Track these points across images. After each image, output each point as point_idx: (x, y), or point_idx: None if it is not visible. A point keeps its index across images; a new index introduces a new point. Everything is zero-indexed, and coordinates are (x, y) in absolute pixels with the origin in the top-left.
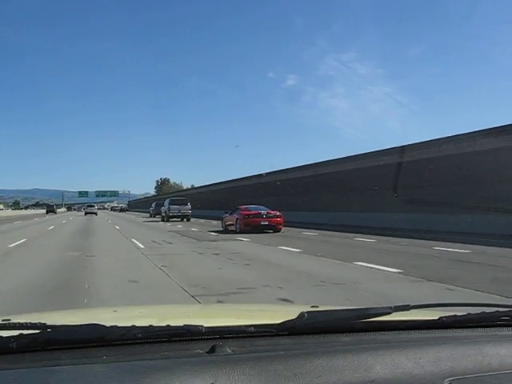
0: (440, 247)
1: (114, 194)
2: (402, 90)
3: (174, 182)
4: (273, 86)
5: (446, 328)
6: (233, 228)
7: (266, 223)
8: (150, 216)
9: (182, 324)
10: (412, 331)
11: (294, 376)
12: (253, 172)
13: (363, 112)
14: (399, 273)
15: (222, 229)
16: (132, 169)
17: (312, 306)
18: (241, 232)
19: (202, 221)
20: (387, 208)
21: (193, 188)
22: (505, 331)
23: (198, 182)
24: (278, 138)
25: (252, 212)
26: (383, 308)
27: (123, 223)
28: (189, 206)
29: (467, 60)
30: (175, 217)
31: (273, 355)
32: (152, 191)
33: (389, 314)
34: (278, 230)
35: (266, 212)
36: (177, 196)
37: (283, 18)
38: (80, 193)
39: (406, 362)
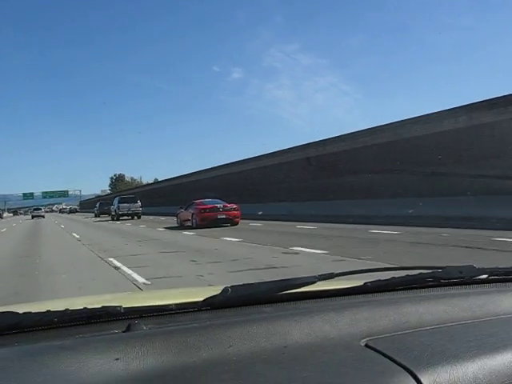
0: (376, 230)
1: (64, 194)
2: (345, 79)
3: (132, 178)
4: (218, 79)
5: (371, 293)
6: (189, 224)
7: (223, 217)
8: (95, 216)
9: (100, 306)
10: (336, 298)
11: (205, 346)
12: (205, 166)
13: (309, 102)
14: (325, 253)
15: (176, 225)
16: (83, 167)
17: (256, 282)
18: (197, 227)
19: (151, 217)
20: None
21: (147, 184)
22: (428, 292)
23: (157, 177)
24: (226, 132)
25: (208, 206)
26: (307, 278)
27: (69, 224)
28: (139, 203)
29: (402, 46)
30: (125, 215)
31: (187, 328)
32: (107, 189)
33: (313, 283)
34: (236, 223)
35: (222, 205)
36: (126, 194)
37: (226, 11)
38: (25, 195)
39: (323, 326)
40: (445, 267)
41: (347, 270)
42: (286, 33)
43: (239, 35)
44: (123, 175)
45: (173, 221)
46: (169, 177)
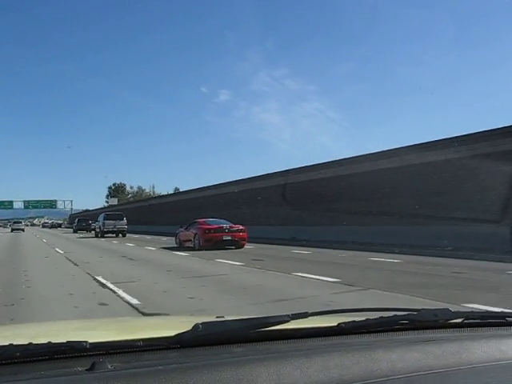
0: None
1: (51, 205)
2: (333, 106)
3: (139, 187)
4: (206, 100)
5: (345, 334)
6: (190, 244)
7: (229, 238)
8: (74, 232)
9: (64, 340)
10: (309, 339)
11: None
12: (192, 186)
13: (295, 127)
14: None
15: (175, 245)
16: (76, 178)
17: (217, 317)
18: (200, 249)
19: (136, 236)
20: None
21: (143, 200)
22: (403, 335)
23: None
24: (212, 153)
25: (213, 226)
26: (280, 316)
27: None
28: (124, 220)
29: (390, 77)
30: (110, 232)
31: (152, 371)
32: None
33: (286, 322)
34: (242, 246)
35: (228, 226)
36: (112, 210)
37: (216, 33)
38: (2, 203)
39: (292, 372)
40: (420, 310)
41: (322, 310)
42: (274, 57)
43: (228, 58)
44: (124, 185)
45: (159, 241)
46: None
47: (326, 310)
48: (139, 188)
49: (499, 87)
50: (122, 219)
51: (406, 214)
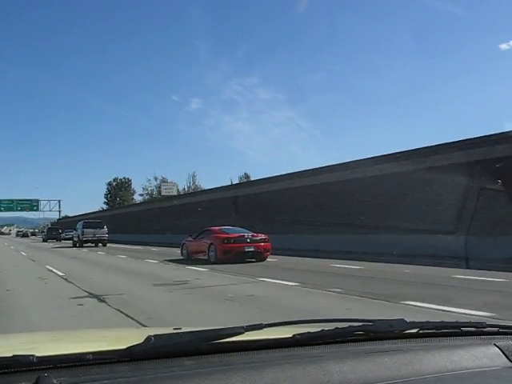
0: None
1: (31, 206)
2: (303, 115)
3: (159, 178)
4: (177, 109)
5: (300, 346)
6: (203, 256)
7: (252, 249)
8: (43, 241)
9: (11, 354)
10: (263, 351)
11: None
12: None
13: (265, 136)
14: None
15: (181, 257)
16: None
17: (175, 328)
18: (216, 262)
19: (117, 245)
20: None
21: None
22: (358, 346)
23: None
24: (184, 161)
25: (233, 235)
26: (235, 328)
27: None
28: (105, 229)
29: (356, 87)
30: (90, 241)
31: None
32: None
33: (241, 333)
34: (264, 259)
35: (250, 235)
36: (91, 218)
37: (187, 42)
38: None
39: None
40: (375, 320)
41: (277, 321)
42: (245, 66)
43: (199, 66)
44: (129, 180)
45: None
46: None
47: (281, 321)
48: (164, 180)
49: (459, 97)
50: (103, 227)
51: (355, 224)
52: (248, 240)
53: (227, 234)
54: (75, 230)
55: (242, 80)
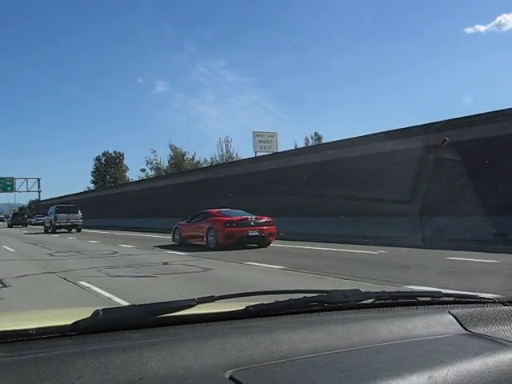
0: None
1: (4, 186)
2: (270, 98)
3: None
4: (143, 92)
5: (253, 317)
6: (201, 241)
7: (256, 234)
8: (9, 226)
9: None
10: (214, 323)
11: (49, 379)
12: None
13: (232, 119)
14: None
15: (173, 243)
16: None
17: (131, 305)
18: (216, 248)
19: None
20: None
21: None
22: (313, 317)
23: None
24: (151, 145)
25: (235, 218)
26: (185, 301)
27: None
28: (79, 214)
29: (323, 68)
30: (63, 227)
31: (41, 357)
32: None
33: (192, 306)
34: (268, 244)
35: (253, 218)
36: (73, 201)
37: (152, 23)
38: None
39: (185, 356)
40: (330, 291)
41: (229, 293)
42: (212, 49)
43: (165, 49)
44: (121, 154)
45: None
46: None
47: (234, 293)
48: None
49: (422, 80)
50: (77, 212)
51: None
52: (252, 223)
53: (229, 216)
54: (47, 215)
55: (209, 63)
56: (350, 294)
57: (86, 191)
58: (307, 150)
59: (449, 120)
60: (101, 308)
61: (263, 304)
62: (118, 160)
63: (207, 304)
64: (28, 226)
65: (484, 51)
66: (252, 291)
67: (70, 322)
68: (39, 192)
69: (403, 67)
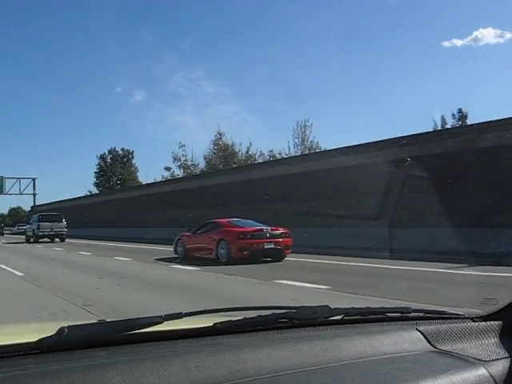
0: None
1: None
2: (247, 109)
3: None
4: (121, 101)
5: (221, 334)
6: (209, 254)
7: (272, 246)
8: None
9: None
10: (181, 340)
11: None
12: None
13: (210, 129)
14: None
15: (174, 255)
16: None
17: (99, 320)
18: (228, 262)
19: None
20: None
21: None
22: (281, 334)
23: None
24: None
25: (249, 228)
26: (152, 317)
27: None
28: (64, 222)
29: (298, 80)
30: (46, 236)
31: (3, 377)
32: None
33: (159, 323)
34: (283, 258)
35: (269, 229)
36: (48, 212)
37: (132, 32)
38: None
39: (148, 375)
40: (299, 307)
41: (197, 310)
42: (191, 59)
43: (144, 58)
44: (131, 152)
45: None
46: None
47: (201, 309)
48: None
49: (396, 93)
50: (61, 221)
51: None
52: (267, 235)
53: (241, 227)
54: (29, 223)
55: (188, 72)
56: (319, 310)
57: (85, 196)
58: (274, 163)
59: (417, 134)
60: (66, 325)
61: (231, 321)
62: (125, 159)
63: (175, 320)
64: (6, 235)
65: (459, 65)
66: (220, 308)
67: (33, 338)
68: (34, 195)
69: (376, 80)
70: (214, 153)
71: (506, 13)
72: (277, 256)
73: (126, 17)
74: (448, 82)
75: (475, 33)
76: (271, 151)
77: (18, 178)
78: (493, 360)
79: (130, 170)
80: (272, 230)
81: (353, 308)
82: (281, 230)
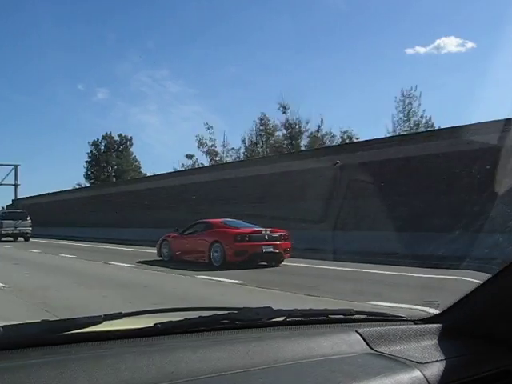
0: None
1: None
2: (211, 110)
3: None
4: (83, 98)
5: (161, 335)
6: (201, 258)
7: (271, 250)
8: None
9: None
10: (119, 341)
11: None
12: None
13: (174, 130)
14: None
15: (157, 258)
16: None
17: (34, 321)
18: (222, 267)
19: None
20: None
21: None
22: (222, 335)
23: None
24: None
25: (246, 230)
26: (92, 317)
27: None
28: (28, 220)
29: (261, 83)
30: (9, 235)
31: None
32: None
33: (99, 323)
34: (279, 262)
35: (268, 230)
36: (12, 209)
37: (95, 29)
38: None
39: (77, 376)
40: (241, 308)
41: (138, 310)
42: (155, 58)
43: (107, 56)
44: (129, 139)
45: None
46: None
47: (142, 310)
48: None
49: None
50: (26, 219)
51: None
52: (266, 237)
53: (237, 228)
54: None
55: (151, 72)
56: (262, 311)
57: (87, 187)
58: (218, 167)
59: (360, 141)
60: (1, 324)
61: (171, 321)
62: (122, 147)
63: (115, 321)
64: None
65: (421, 72)
66: (162, 308)
67: None
68: (16, 186)
69: (333, 85)
70: (260, 134)
71: (467, 22)
72: (275, 260)
73: (88, 14)
74: (407, 88)
75: (438, 41)
76: (345, 132)
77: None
78: (429, 362)
79: (129, 159)
80: (272, 231)
81: (296, 309)
82: (280, 232)
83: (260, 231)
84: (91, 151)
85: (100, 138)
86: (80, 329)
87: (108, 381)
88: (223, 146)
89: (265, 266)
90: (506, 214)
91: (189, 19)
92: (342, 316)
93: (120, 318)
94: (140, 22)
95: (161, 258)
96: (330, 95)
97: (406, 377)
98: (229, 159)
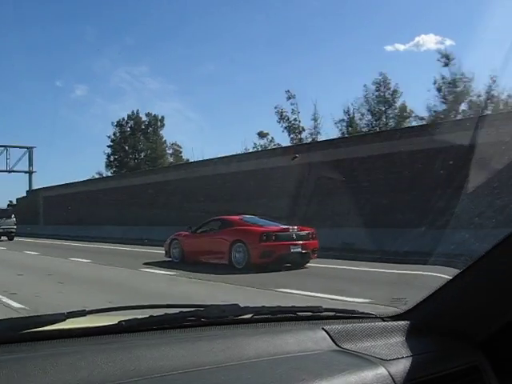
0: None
1: None
2: (191, 106)
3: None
4: (61, 95)
5: (125, 332)
6: (220, 259)
7: (298, 250)
8: None
9: None
10: (82, 339)
11: None
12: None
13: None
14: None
15: (165, 259)
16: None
17: (5, 318)
18: (245, 270)
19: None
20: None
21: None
22: (187, 332)
23: None
24: (69, 151)
25: (272, 228)
26: (55, 315)
27: None
28: (13, 219)
29: (240, 82)
30: None
31: None
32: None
33: (62, 321)
34: (305, 263)
35: (295, 229)
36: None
37: (73, 26)
38: None
39: (34, 374)
40: (208, 306)
41: (102, 308)
42: (134, 54)
43: (86, 52)
44: (159, 119)
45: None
46: None
47: (106, 307)
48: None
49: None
50: (10, 217)
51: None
52: (294, 236)
53: (262, 226)
54: None
55: (131, 68)
56: (228, 309)
57: (109, 176)
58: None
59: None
60: None
61: (136, 319)
62: (153, 127)
63: (79, 318)
64: None
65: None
66: (126, 305)
67: None
68: (30, 173)
69: (308, 81)
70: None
71: (445, 20)
72: (301, 262)
73: (66, 11)
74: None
75: (417, 38)
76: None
77: (4, 147)
78: (395, 359)
79: (160, 142)
80: (298, 229)
81: (263, 307)
82: (307, 230)
83: (287, 229)
84: (115, 133)
85: (125, 118)
86: (42, 327)
87: (65, 379)
88: (314, 119)
89: (289, 268)
90: (471, 210)
91: (168, 15)
92: (310, 313)
93: (84, 315)
94: (119, 19)
95: (170, 259)
96: (313, 93)
97: (370, 374)
98: (321, 138)
